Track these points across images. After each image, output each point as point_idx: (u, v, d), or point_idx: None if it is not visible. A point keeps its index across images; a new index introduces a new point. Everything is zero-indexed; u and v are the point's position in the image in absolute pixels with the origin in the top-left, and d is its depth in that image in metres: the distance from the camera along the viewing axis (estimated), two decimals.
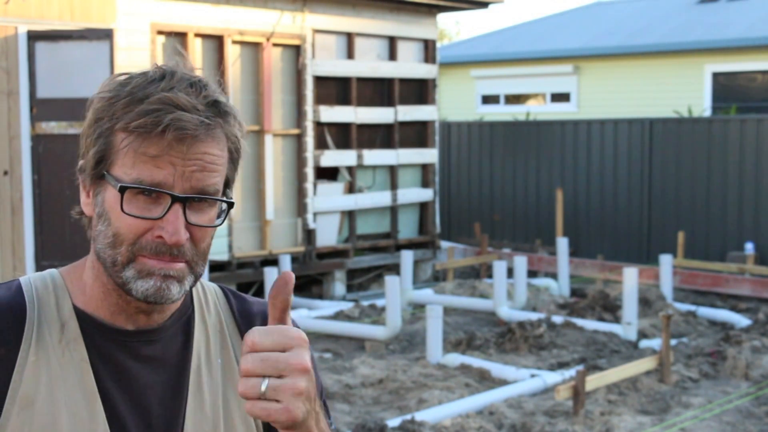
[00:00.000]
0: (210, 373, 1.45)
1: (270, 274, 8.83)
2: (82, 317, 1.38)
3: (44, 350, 1.35)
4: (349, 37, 10.64)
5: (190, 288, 1.37)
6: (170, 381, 1.41)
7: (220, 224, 1.37)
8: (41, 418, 1.32)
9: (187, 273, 1.34)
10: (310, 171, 10.30)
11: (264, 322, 1.50)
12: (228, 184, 1.39)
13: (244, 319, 1.52)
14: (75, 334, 1.37)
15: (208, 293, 1.52)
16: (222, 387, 1.45)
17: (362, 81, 10.81)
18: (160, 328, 1.41)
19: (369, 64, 10.81)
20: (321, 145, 10.48)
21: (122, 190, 1.30)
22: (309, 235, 10.33)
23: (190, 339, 1.45)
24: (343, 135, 10.70)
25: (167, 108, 1.29)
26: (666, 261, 9.75)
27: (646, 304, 9.08)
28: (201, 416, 1.42)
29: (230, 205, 1.37)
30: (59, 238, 8.00)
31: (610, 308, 9.00)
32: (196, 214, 1.33)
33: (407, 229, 11.52)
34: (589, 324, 8.36)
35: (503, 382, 6.87)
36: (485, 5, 11.89)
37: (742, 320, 8.80)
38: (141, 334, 1.39)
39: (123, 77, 1.35)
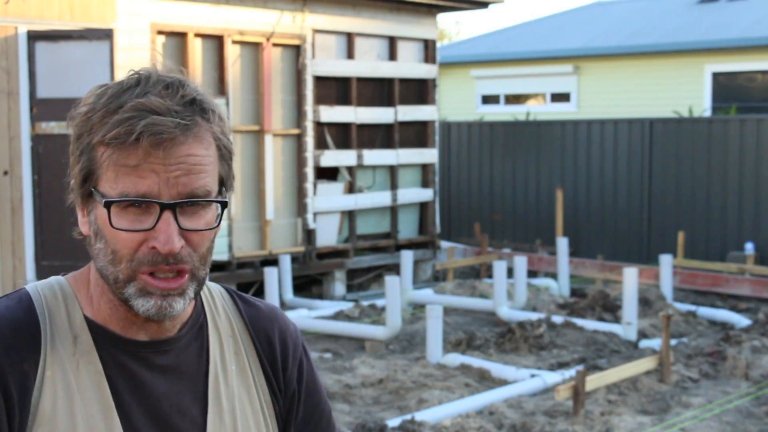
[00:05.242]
0: (226, 380, 1.44)
1: (270, 274, 8.82)
2: (94, 328, 1.36)
3: (59, 364, 1.33)
4: (349, 37, 10.64)
5: (196, 295, 1.35)
6: (188, 390, 1.40)
7: (217, 227, 1.33)
8: None
9: (189, 284, 1.32)
10: (310, 171, 10.29)
11: (280, 336, 1.52)
12: (223, 183, 1.36)
13: (257, 330, 1.50)
14: (88, 346, 1.35)
15: (216, 297, 1.51)
16: (237, 393, 1.44)
17: (362, 81, 10.80)
18: (174, 338, 1.40)
19: (369, 64, 10.81)
20: (321, 145, 10.47)
21: (107, 206, 1.28)
22: (309, 235, 10.32)
23: (204, 346, 1.44)
24: (343, 135, 10.70)
25: (140, 114, 1.26)
26: (666, 261, 9.74)
27: (646, 304, 9.07)
28: (221, 424, 1.41)
29: (224, 205, 1.33)
30: (59, 238, 8.00)
31: (610, 308, 9.00)
32: (190, 218, 1.30)
33: (407, 229, 11.52)
34: (589, 324, 8.35)
35: (503, 382, 6.86)
36: (485, 5, 11.89)
37: (742, 320, 8.79)
38: (154, 344, 1.38)
39: (100, 89, 1.32)
